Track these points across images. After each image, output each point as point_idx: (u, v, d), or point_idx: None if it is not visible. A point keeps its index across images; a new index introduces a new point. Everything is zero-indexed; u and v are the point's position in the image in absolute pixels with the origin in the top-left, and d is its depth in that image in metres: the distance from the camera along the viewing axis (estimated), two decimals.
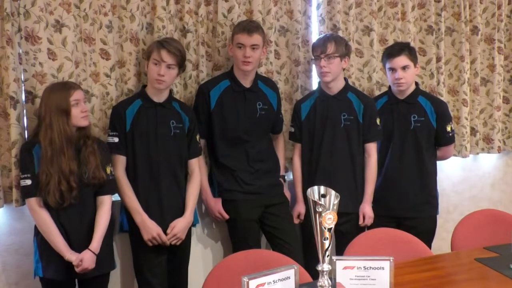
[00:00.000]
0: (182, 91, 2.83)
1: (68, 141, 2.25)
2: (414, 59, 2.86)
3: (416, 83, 2.96)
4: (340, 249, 2.64)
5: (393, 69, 2.85)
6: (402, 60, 2.81)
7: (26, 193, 2.27)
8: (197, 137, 2.67)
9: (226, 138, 2.74)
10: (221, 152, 2.75)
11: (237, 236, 2.80)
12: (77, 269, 2.23)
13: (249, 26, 2.65)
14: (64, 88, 2.29)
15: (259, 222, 2.81)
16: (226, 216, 2.76)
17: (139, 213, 2.49)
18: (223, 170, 2.76)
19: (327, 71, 2.75)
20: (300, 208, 2.89)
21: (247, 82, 2.75)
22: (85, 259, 2.23)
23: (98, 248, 2.29)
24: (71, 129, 2.26)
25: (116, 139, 2.50)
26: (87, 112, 2.33)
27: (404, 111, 2.91)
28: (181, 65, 2.55)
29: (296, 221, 2.90)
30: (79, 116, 2.28)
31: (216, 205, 2.77)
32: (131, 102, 2.55)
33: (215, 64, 2.90)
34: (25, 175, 2.26)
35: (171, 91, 2.65)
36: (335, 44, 2.74)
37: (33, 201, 2.25)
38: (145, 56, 2.58)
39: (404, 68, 2.82)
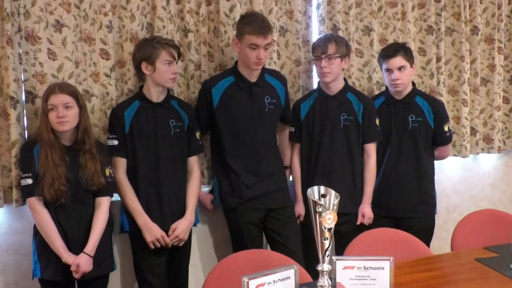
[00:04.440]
0: (185, 91, 2.83)
1: (49, 144, 2.24)
2: (410, 59, 2.86)
3: (413, 83, 2.97)
4: (339, 249, 2.63)
5: (389, 70, 2.85)
6: (398, 61, 2.82)
7: (27, 193, 2.26)
8: (197, 134, 2.65)
9: (232, 137, 2.67)
10: (227, 152, 2.68)
11: (237, 239, 2.77)
12: (75, 275, 2.23)
13: (264, 28, 2.54)
14: (47, 91, 2.28)
15: (261, 226, 2.76)
16: (211, 207, 2.80)
17: (141, 215, 2.48)
18: (228, 173, 2.70)
19: (328, 71, 2.74)
20: (300, 209, 2.87)
21: (253, 77, 2.68)
22: (82, 264, 2.22)
23: (93, 250, 2.28)
24: (49, 133, 2.24)
25: (115, 142, 2.49)
26: (64, 119, 2.23)
27: (401, 112, 2.91)
28: (180, 57, 2.59)
29: None
30: (54, 121, 2.24)
31: (206, 197, 2.80)
32: (129, 104, 2.53)
33: (218, 64, 2.90)
34: (26, 175, 2.26)
35: (168, 90, 2.63)
36: (335, 44, 2.73)
37: (34, 201, 2.25)
38: (146, 59, 2.46)
39: (400, 68, 2.82)
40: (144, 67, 2.48)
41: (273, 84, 2.76)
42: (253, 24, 2.55)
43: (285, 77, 2.90)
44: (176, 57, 2.50)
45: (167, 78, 2.48)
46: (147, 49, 2.46)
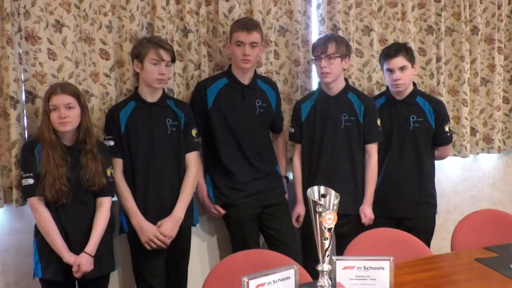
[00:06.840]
0: (184, 91, 2.83)
1: (50, 145, 2.23)
2: (411, 59, 2.86)
3: (414, 84, 2.96)
4: (340, 251, 2.63)
5: (390, 70, 2.84)
6: (399, 61, 2.81)
7: (28, 192, 2.26)
8: (194, 131, 2.64)
9: (226, 137, 2.72)
10: (221, 151, 2.73)
11: (235, 236, 2.79)
12: (76, 275, 2.23)
13: (248, 24, 2.64)
14: (49, 91, 2.27)
15: (257, 221, 2.80)
16: (222, 211, 2.76)
17: (135, 215, 2.48)
18: (222, 171, 2.74)
19: (328, 71, 2.73)
20: (299, 209, 2.87)
21: (245, 80, 2.75)
22: (82, 263, 2.22)
23: (94, 250, 2.28)
24: (50, 133, 2.24)
25: (111, 143, 2.49)
26: (66, 119, 2.23)
27: (403, 112, 2.90)
28: (174, 60, 2.57)
29: (294, 223, 2.88)
30: (56, 121, 2.24)
31: (204, 190, 2.78)
32: (125, 104, 2.53)
33: (216, 64, 2.90)
34: (27, 174, 2.25)
35: (164, 90, 2.62)
36: (335, 44, 2.72)
37: (35, 200, 2.24)
38: (137, 57, 2.49)
39: (401, 68, 2.82)
40: (135, 64, 2.52)
41: (264, 89, 2.81)
42: (238, 22, 2.70)
43: (276, 84, 2.93)
44: (165, 59, 2.47)
45: (153, 78, 2.47)
46: (138, 47, 2.51)
